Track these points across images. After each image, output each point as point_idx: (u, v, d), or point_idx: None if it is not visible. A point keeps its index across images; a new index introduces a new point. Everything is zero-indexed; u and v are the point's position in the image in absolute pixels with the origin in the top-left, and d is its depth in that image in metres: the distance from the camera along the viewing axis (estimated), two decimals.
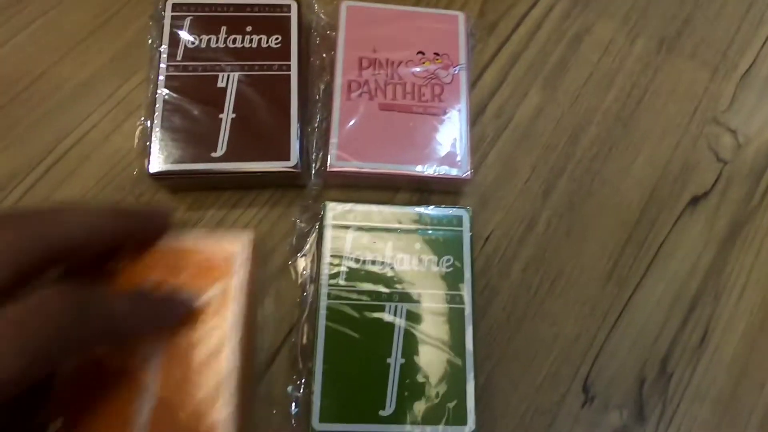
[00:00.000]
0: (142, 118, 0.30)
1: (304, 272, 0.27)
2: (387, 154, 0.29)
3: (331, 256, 0.26)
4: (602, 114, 0.35)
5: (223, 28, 0.31)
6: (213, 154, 0.28)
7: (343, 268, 0.26)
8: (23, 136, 0.30)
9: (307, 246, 0.28)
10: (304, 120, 0.30)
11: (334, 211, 0.27)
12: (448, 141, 0.30)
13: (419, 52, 0.31)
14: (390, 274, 0.26)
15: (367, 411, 0.24)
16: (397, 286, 0.26)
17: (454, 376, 0.25)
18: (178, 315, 0.22)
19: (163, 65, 0.29)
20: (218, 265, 0.24)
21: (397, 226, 0.27)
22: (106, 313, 0.19)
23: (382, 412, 0.24)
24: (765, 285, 0.32)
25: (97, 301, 0.19)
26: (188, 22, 0.31)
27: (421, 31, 0.32)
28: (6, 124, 0.30)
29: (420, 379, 0.25)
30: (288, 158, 0.28)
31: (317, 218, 0.28)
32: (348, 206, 0.27)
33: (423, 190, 0.31)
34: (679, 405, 0.29)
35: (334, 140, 0.29)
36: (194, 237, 0.24)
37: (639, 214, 0.33)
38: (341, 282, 0.26)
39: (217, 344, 0.22)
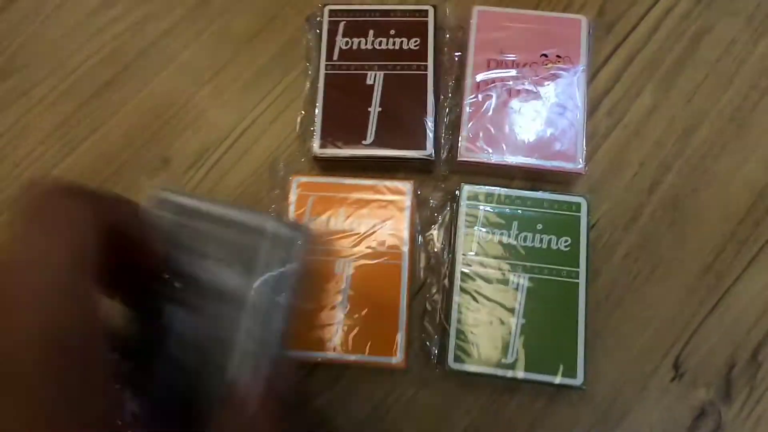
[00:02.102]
0: (302, 111, 0.36)
1: (437, 242, 0.33)
2: (509, 146, 0.33)
3: (466, 228, 0.32)
4: (716, 114, 0.36)
5: (371, 32, 0.36)
6: (363, 142, 0.34)
7: (475, 241, 0.32)
8: (210, 119, 0.38)
9: (440, 221, 0.34)
10: (438, 114, 0.35)
11: (469, 191, 0.33)
12: (566, 137, 0.33)
13: (542, 54, 0.35)
14: (515, 248, 0.31)
15: (493, 358, 0.30)
16: (521, 259, 0.31)
17: (567, 339, 0.30)
18: None
19: (323, 64, 0.35)
20: (391, 205, 0.32)
21: (522, 207, 0.32)
22: None
23: (504, 360, 0.30)
24: None
25: None
26: (342, 26, 0.36)
27: (545, 34, 0.35)
28: (195, 112, 0.38)
29: (538, 337, 0.30)
30: (424, 148, 0.33)
31: (448, 197, 0.34)
32: (483, 188, 0.33)
33: (536, 179, 0.35)
34: (766, 391, 0.32)
35: (464, 133, 0.33)
36: (371, 181, 0.33)
37: (745, 213, 0.34)
38: (473, 252, 0.32)
39: (394, 268, 0.31)
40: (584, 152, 0.33)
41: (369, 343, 0.31)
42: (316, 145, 0.34)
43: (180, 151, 0.37)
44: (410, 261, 0.32)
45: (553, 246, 0.31)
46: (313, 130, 0.34)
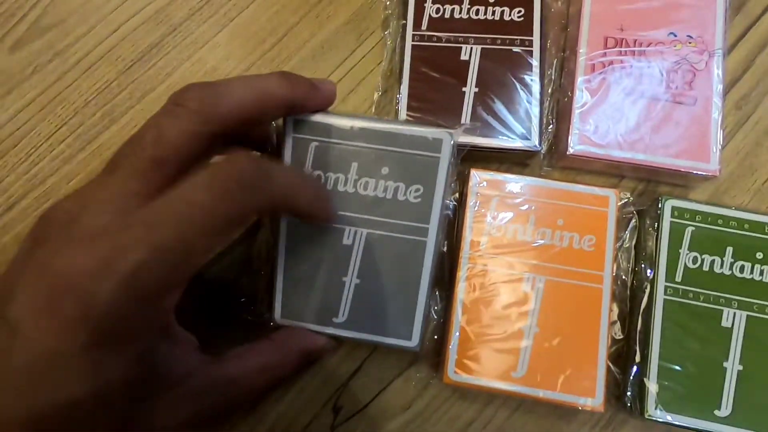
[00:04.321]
0: (380, 88, 0.32)
1: (623, 262, 0.28)
2: (627, 140, 0.28)
3: (668, 250, 0.27)
4: None
5: None
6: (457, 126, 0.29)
7: (681, 267, 0.27)
8: None
9: (625, 237, 0.28)
10: (543, 99, 0.30)
11: (675, 206, 0.27)
12: (697, 133, 0.28)
13: (671, 33, 0.29)
14: (730, 279, 0.27)
15: (703, 408, 0.25)
16: (737, 293, 0.26)
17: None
18: None
19: (409, 34, 0.30)
20: (591, 215, 0.27)
21: (739, 231, 0.27)
22: (283, 181, 0.21)
23: (717, 412, 0.25)
24: None
25: (276, 167, 0.21)
26: None
27: (674, 8, 0.30)
28: None
29: (760, 386, 0.25)
30: (529, 138, 0.29)
31: (631, 211, 0.29)
32: (690, 204, 0.27)
33: (650, 179, 0.30)
34: None
35: (575, 123, 0.29)
36: (566, 185, 0.28)
37: None
38: (677, 280, 0.27)
39: (595, 292, 0.27)
40: (719, 152, 0.28)
41: (561, 378, 0.26)
42: None
43: None
44: (612, 284, 0.27)
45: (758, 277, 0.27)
46: (397, 110, 0.30)
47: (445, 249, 0.28)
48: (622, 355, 0.28)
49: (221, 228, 0.18)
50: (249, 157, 0.20)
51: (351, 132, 0.25)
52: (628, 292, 0.29)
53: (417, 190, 0.25)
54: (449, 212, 0.28)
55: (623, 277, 0.28)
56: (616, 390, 0.28)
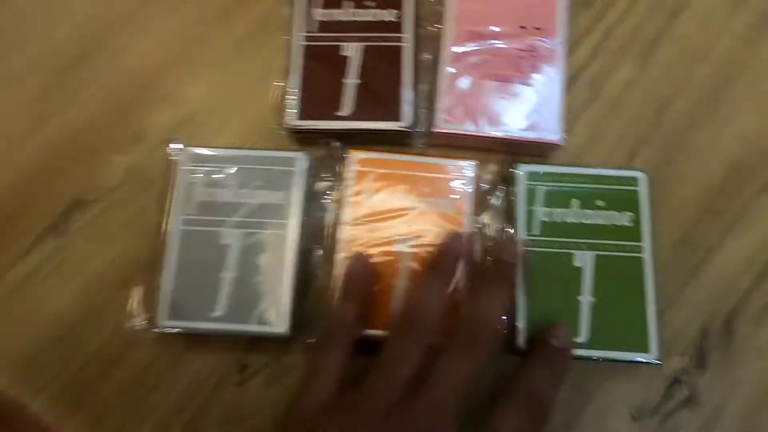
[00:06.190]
0: (281, 84, 0.36)
1: (492, 227, 0.33)
2: (487, 118, 0.33)
3: (527, 210, 0.32)
4: (693, 88, 0.36)
5: (349, 3, 0.35)
6: (339, 114, 0.33)
7: (537, 222, 0.31)
8: (185, 92, 0.37)
9: (493, 204, 0.33)
10: (415, 86, 0.34)
11: (526, 171, 0.32)
12: (543, 109, 0.33)
13: (521, 26, 0.34)
14: (577, 226, 0.31)
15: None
16: (584, 237, 0.31)
17: (638, 313, 0.30)
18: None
19: (299, 34, 0.35)
20: (452, 184, 0.32)
21: (581, 185, 0.32)
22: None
23: (577, 340, 0.29)
24: None
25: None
26: None
27: (524, 6, 0.35)
28: (168, 86, 0.37)
29: (608, 313, 0.30)
30: (400, 119, 0.33)
31: (499, 179, 0.33)
32: (540, 167, 0.32)
33: (515, 152, 0.35)
34: (740, 359, 0.32)
35: (440, 104, 0.33)
36: (432, 159, 0.33)
37: (720, 185, 0.35)
38: (535, 233, 0.31)
39: None
40: (562, 124, 0.33)
41: None
42: (292, 117, 0.33)
43: (153, 126, 0.36)
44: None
45: (616, 222, 0.31)
46: (291, 102, 0.34)
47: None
48: None
49: None
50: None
51: (227, 158, 0.33)
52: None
53: (280, 195, 0.32)
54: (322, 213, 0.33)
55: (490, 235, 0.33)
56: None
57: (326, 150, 0.34)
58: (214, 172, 0.32)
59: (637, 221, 0.31)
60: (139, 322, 0.32)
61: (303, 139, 0.35)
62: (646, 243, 0.31)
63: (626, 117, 0.36)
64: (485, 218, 0.33)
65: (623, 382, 0.32)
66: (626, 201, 0.32)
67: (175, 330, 0.30)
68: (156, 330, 0.30)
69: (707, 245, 0.34)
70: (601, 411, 0.31)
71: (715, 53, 0.37)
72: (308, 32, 0.35)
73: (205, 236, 0.31)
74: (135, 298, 0.32)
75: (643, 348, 0.29)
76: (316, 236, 0.33)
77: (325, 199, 0.33)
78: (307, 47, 0.35)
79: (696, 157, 0.35)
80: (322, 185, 0.34)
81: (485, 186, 0.34)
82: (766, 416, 0.31)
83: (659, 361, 0.29)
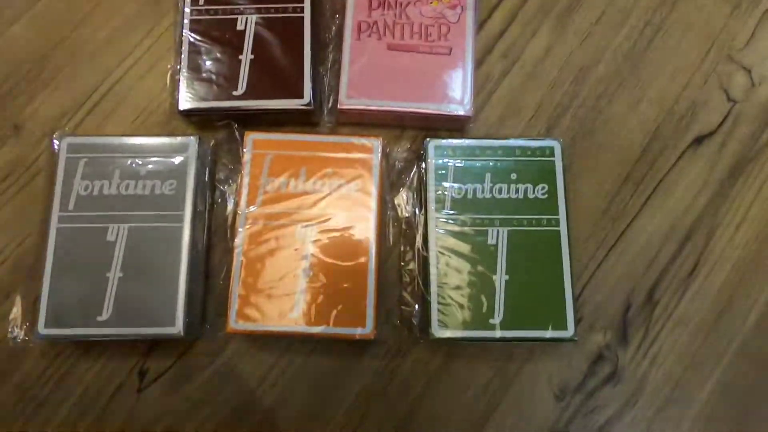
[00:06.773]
0: (172, 62, 0.33)
1: (407, 205, 0.31)
2: (394, 92, 0.31)
3: (436, 188, 0.29)
4: (612, 53, 0.35)
5: None
6: (234, 93, 0.30)
7: (448, 199, 0.29)
8: (69, 78, 0.34)
9: (408, 182, 0.31)
10: (317, 61, 0.32)
11: (436, 145, 0.30)
12: (452, 80, 0.31)
13: None
14: (491, 202, 0.29)
15: (480, 320, 0.28)
16: (498, 212, 0.29)
17: (554, 289, 0.28)
18: None
19: (187, 9, 0.32)
20: (357, 163, 0.29)
21: (494, 158, 0.30)
22: None
23: (491, 320, 0.28)
24: (762, 221, 0.33)
25: None
26: None
27: None
28: (52, 68, 0.34)
29: (524, 291, 0.28)
30: (302, 96, 0.31)
31: (414, 157, 0.31)
32: (450, 142, 0.30)
33: (428, 128, 0.33)
34: (661, 331, 0.31)
35: (344, 79, 0.31)
36: (335, 137, 0.30)
37: (640, 152, 0.33)
38: (447, 211, 0.29)
39: (362, 232, 0.29)
40: (471, 95, 0.31)
41: (334, 314, 0.28)
42: (181, 98, 0.30)
43: (33, 116, 0.33)
44: (378, 224, 0.29)
45: (530, 195, 0.29)
46: (182, 83, 0.31)
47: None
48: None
49: None
50: None
51: (115, 146, 0.30)
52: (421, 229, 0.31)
53: (171, 184, 0.29)
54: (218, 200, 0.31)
55: (408, 217, 0.31)
56: (410, 321, 0.30)
57: (225, 134, 0.32)
58: (98, 163, 0.29)
59: (553, 193, 0.30)
60: (19, 332, 0.29)
61: (200, 123, 0.32)
62: (561, 215, 0.29)
63: (544, 86, 0.34)
64: (401, 197, 0.31)
65: (547, 362, 0.30)
66: (542, 173, 0.30)
67: (57, 338, 0.28)
68: (37, 340, 0.28)
69: (628, 214, 0.33)
70: (525, 393, 0.30)
71: (633, 16, 0.35)
72: (197, 5, 0.32)
73: (89, 233, 0.28)
74: (18, 306, 0.30)
75: (561, 325, 0.28)
76: (216, 227, 0.31)
77: (225, 187, 0.31)
78: (196, 22, 0.32)
79: (615, 125, 0.34)
80: (221, 173, 0.31)
81: (401, 165, 0.32)
82: (687, 388, 0.30)
83: (575, 338, 0.28)
